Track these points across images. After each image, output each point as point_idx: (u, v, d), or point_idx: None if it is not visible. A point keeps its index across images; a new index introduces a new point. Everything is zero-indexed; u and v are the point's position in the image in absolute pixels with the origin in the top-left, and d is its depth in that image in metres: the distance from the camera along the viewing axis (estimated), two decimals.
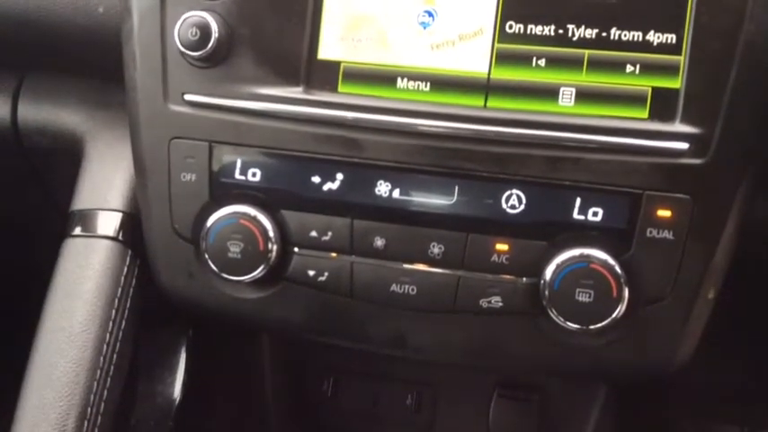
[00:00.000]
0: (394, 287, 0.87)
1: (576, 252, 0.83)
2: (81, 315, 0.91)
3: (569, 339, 0.86)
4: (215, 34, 0.84)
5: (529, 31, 0.83)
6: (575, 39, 0.82)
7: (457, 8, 0.84)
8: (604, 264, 0.82)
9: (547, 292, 0.83)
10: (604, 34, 0.81)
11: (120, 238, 0.96)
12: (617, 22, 0.81)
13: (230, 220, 0.88)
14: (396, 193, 0.86)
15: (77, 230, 0.97)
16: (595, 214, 0.83)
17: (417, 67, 0.85)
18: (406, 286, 0.87)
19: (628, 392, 1.16)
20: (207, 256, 0.89)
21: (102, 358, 0.90)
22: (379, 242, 0.87)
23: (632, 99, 0.81)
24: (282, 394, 1.19)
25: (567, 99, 0.83)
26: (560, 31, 0.82)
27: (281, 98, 0.86)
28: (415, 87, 0.85)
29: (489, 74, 0.84)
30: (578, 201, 0.83)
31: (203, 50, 0.84)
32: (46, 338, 0.91)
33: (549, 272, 0.83)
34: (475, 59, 0.84)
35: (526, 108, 0.83)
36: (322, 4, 0.86)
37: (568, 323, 0.84)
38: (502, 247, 0.85)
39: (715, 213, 0.82)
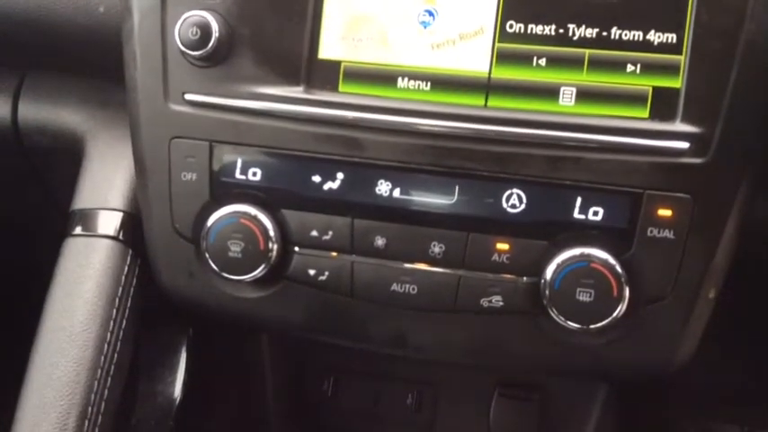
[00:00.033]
0: (394, 286, 0.88)
1: (576, 251, 0.83)
2: (81, 314, 0.91)
3: (570, 339, 0.86)
4: (215, 34, 0.84)
5: (529, 31, 0.83)
6: (575, 38, 0.82)
7: (457, 7, 0.84)
8: (605, 263, 0.82)
9: (547, 292, 0.83)
10: (605, 34, 0.81)
11: (121, 237, 0.96)
12: (618, 22, 0.81)
13: (231, 220, 0.88)
14: (396, 193, 0.86)
15: (78, 230, 0.97)
16: (596, 214, 0.83)
17: (418, 66, 0.85)
18: (407, 286, 0.87)
19: (628, 392, 1.16)
20: (207, 255, 0.89)
21: (102, 358, 0.90)
22: (380, 241, 0.87)
23: (633, 99, 0.81)
24: (283, 394, 1.18)
25: (567, 98, 0.83)
26: (561, 31, 0.82)
27: (281, 98, 0.86)
28: (416, 87, 0.85)
29: (490, 73, 0.84)
30: (579, 200, 0.83)
31: (204, 50, 0.84)
32: (46, 338, 0.91)
33: (549, 271, 0.83)
34: (475, 59, 0.84)
35: (527, 107, 0.83)
36: (322, 3, 0.86)
37: (569, 322, 0.84)
38: (502, 246, 0.85)
39: (715, 213, 0.82)
